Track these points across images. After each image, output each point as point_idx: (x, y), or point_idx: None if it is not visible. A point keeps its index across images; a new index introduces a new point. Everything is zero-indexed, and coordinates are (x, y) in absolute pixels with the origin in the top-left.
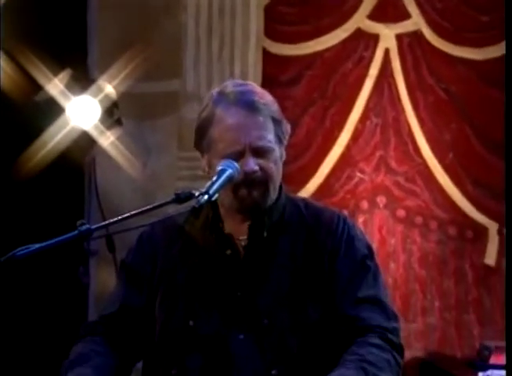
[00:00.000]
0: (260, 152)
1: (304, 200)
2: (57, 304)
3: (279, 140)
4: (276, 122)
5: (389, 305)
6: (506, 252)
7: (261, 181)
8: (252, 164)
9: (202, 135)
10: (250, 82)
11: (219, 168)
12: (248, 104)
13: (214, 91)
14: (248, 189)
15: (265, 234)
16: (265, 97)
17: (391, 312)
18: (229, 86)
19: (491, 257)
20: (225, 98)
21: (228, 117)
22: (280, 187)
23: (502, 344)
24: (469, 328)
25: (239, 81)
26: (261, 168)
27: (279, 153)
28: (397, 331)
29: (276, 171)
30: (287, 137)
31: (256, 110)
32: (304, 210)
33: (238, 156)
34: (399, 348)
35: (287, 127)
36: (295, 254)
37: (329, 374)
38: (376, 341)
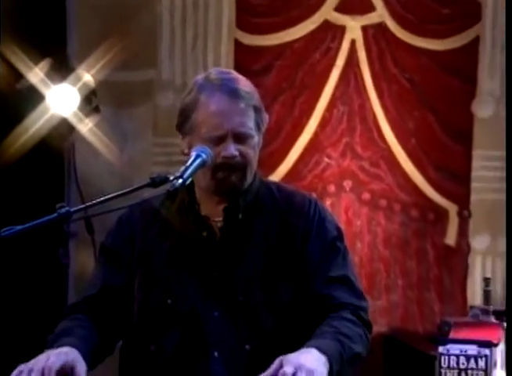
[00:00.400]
0: (240, 138)
1: (276, 183)
2: (38, 284)
3: (258, 128)
4: (257, 110)
5: (358, 284)
6: (506, 253)
7: (240, 166)
8: (232, 149)
9: (185, 119)
10: (233, 71)
11: (193, 153)
12: (231, 91)
13: (200, 77)
14: (227, 172)
15: (240, 216)
16: (248, 86)
17: (360, 292)
18: (214, 73)
19: (451, 237)
20: (210, 84)
21: (212, 103)
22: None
23: (461, 320)
24: (430, 305)
25: (224, 70)
26: (241, 154)
27: (257, 139)
28: (366, 310)
29: (254, 156)
30: (265, 125)
31: (239, 98)
32: (276, 193)
33: (219, 140)
34: (368, 325)
35: (266, 116)
36: (269, 235)
37: (306, 343)
38: (349, 316)
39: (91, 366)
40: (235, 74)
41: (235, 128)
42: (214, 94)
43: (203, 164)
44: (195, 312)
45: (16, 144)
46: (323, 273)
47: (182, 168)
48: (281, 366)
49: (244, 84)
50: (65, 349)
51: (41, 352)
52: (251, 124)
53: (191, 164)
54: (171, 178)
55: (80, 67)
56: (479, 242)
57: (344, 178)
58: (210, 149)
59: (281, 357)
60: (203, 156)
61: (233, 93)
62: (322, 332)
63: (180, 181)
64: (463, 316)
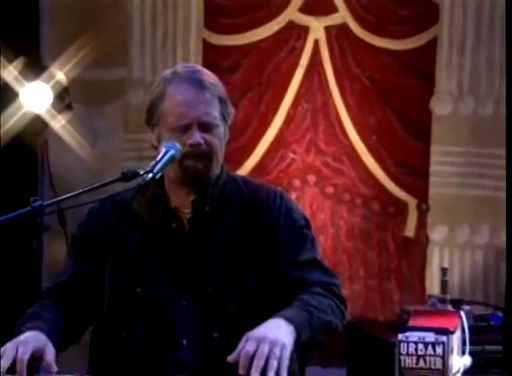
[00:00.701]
0: (206, 127)
1: (242, 177)
2: (13, 274)
3: (224, 119)
4: (222, 102)
5: (327, 265)
6: (506, 251)
7: (205, 154)
8: (197, 137)
9: (153, 111)
10: (198, 65)
11: (163, 148)
12: (197, 82)
13: (167, 72)
14: (193, 160)
15: (208, 208)
16: (213, 78)
17: (331, 271)
18: (180, 67)
19: (410, 230)
20: (176, 77)
21: (179, 94)
22: (221, 165)
23: (420, 308)
24: (390, 294)
25: (189, 64)
26: (206, 142)
27: (223, 130)
28: (338, 286)
29: (219, 146)
30: (231, 118)
31: (204, 88)
32: (243, 187)
33: (185, 129)
34: (341, 299)
35: (232, 109)
36: (235, 227)
37: (276, 313)
38: (320, 291)
39: (58, 349)
40: (200, 68)
41: (200, 117)
42: (180, 85)
43: (172, 159)
44: (163, 301)
45: None
46: (293, 258)
47: (152, 162)
48: (245, 341)
49: (209, 76)
50: (32, 334)
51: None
52: (216, 113)
53: (161, 159)
54: (142, 172)
55: (53, 66)
56: (437, 234)
57: (309, 173)
58: (176, 138)
59: (247, 333)
60: (173, 151)
61: (198, 84)
62: (291, 305)
63: (150, 175)
64: (422, 305)
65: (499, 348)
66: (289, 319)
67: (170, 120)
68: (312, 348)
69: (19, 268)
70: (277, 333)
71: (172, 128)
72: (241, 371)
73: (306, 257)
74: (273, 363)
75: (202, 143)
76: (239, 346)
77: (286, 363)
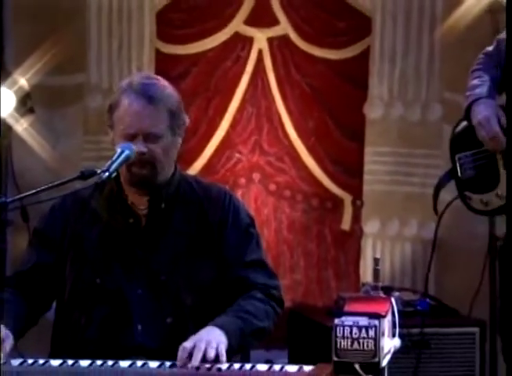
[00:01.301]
0: (151, 137)
1: (194, 177)
2: None
3: (173, 130)
4: (173, 114)
5: (270, 265)
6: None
7: (149, 162)
8: (141, 146)
9: (110, 116)
10: (158, 77)
11: (118, 149)
12: (146, 96)
13: (125, 81)
14: (138, 167)
15: (163, 205)
16: (166, 91)
17: (273, 272)
18: (137, 78)
19: (346, 223)
20: (130, 88)
21: (128, 104)
22: (175, 166)
23: (354, 295)
24: (328, 282)
25: (149, 75)
26: (150, 151)
27: (170, 140)
28: (278, 288)
29: (164, 155)
30: (184, 126)
31: (153, 102)
32: (195, 186)
33: (132, 138)
34: (279, 301)
35: (185, 119)
36: (189, 223)
37: (210, 323)
38: (259, 295)
39: (18, 334)
40: (157, 81)
41: (145, 128)
42: (131, 97)
43: (127, 159)
44: (120, 290)
45: None
46: (240, 258)
47: (109, 162)
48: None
49: (162, 90)
50: None
51: None
52: (162, 126)
53: (116, 159)
54: (99, 171)
55: (15, 72)
56: (370, 227)
57: (253, 172)
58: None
59: (183, 343)
60: (127, 151)
61: (147, 97)
62: (226, 311)
63: (106, 174)
64: (356, 292)
65: (425, 330)
66: (222, 327)
67: (120, 128)
68: (243, 352)
69: None
70: (211, 335)
71: (122, 135)
72: (179, 363)
73: (252, 257)
74: (210, 353)
75: (145, 152)
76: (180, 348)
77: (222, 353)
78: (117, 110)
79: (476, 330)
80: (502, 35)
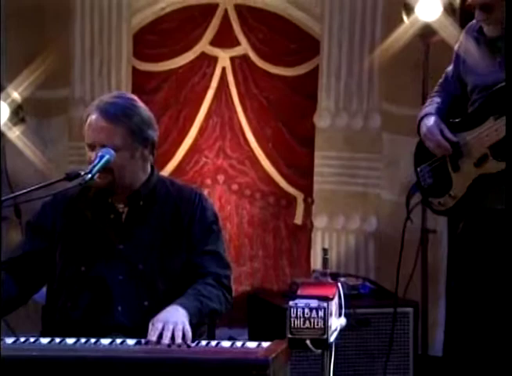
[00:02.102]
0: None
1: (169, 179)
2: None
3: (132, 144)
4: (132, 131)
5: (225, 257)
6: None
7: (105, 171)
8: (92, 155)
9: (83, 126)
10: (129, 96)
11: (99, 154)
12: (106, 114)
13: (98, 98)
14: (97, 176)
15: (141, 203)
16: (126, 111)
17: (226, 263)
18: (106, 97)
19: (298, 218)
20: (97, 104)
21: (90, 120)
22: (152, 168)
23: (306, 280)
24: (283, 270)
25: (119, 94)
26: None
27: (129, 153)
28: (228, 277)
29: (121, 165)
30: (150, 141)
31: (111, 119)
32: (170, 186)
33: (92, 148)
34: (228, 289)
35: (151, 134)
36: (163, 218)
37: (172, 303)
38: (212, 282)
39: (8, 311)
40: (123, 100)
41: (100, 140)
42: (95, 114)
43: (107, 162)
44: (103, 277)
45: None
46: (200, 248)
47: (91, 165)
48: (152, 324)
49: (123, 109)
50: None
51: None
52: (118, 141)
53: (97, 163)
54: (82, 173)
55: (9, 87)
56: (319, 221)
57: (218, 174)
58: (89, 152)
59: (152, 319)
60: (107, 156)
61: (108, 115)
62: (187, 293)
63: (89, 176)
64: (308, 278)
65: (366, 310)
66: (184, 307)
67: (85, 138)
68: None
69: None
70: (176, 315)
71: (87, 144)
72: (151, 340)
73: (209, 248)
74: (178, 334)
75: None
76: (151, 327)
77: (188, 333)
78: (85, 124)
79: (410, 310)
80: (450, 67)
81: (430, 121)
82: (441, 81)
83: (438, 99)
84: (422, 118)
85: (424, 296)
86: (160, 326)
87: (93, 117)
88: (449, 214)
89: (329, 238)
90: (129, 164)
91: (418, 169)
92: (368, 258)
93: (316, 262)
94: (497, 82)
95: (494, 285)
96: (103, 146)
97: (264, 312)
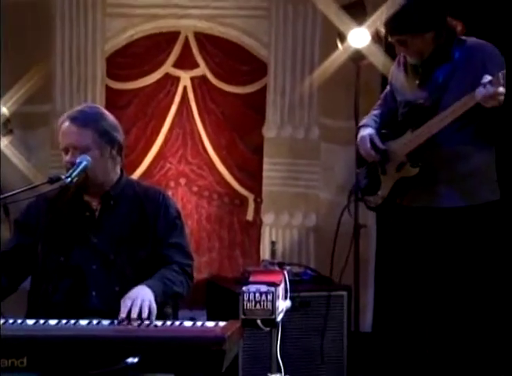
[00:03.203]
0: (78, 150)
1: (136, 181)
2: None
3: (100, 144)
4: (100, 133)
5: (188, 249)
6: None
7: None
8: (68, 158)
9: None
10: (96, 106)
11: (78, 160)
12: (77, 120)
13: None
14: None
15: (112, 202)
16: (93, 117)
17: (189, 254)
18: (78, 108)
19: (250, 215)
20: (68, 114)
21: (63, 127)
22: (122, 172)
23: (257, 269)
24: (236, 259)
25: (87, 105)
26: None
27: (98, 153)
28: (190, 266)
29: (94, 164)
30: (117, 143)
31: (80, 124)
32: (137, 187)
33: (66, 151)
34: (190, 276)
35: (117, 136)
36: (131, 215)
37: (139, 284)
38: (176, 268)
39: (1, 298)
40: (90, 109)
41: (71, 144)
42: (66, 121)
43: (85, 168)
44: (79, 266)
45: None
46: (165, 241)
47: (70, 170)
48: (122, 301)
49: (90, 115)
50: None
51: None
52: (88, 141)
53: (76, 168)
54: (63, 177)
55: None
56: (267, 218)
57: (180, 177)
58: (64, 158)
59: (124, 296)
60: (85, 162)
61: (76, 121)
62: (153, 276)
63: (68, 179)
64: (257, 266)
65: (307, 294)
66: (150, 287)
67: (60, 144)
68: (164, 306)
69: None
70: (142, 293)
71: (61, 149)
72: (121, 318)
73: (173, 240)
74: (145, 309)
75: (74, 162)
76: (122, 304)
77: (154, 309)
78: (58, 132)
79: (344, 293)
80: (386, 90)
81: (364, 131)
82: (382, 95)
83: (375, 112)
84: (359, 128)
85: (356, 281)
86: (129, 303)
87: (65, 124)
88: (378, 210)
89: (276, 232)
90: (100, 162)
91: (357, 171)
92: (309, 249)
93: (265, 253)
94: (416, 100)
95: (415, 273)
96: (75, 148)
97: (220, 296)
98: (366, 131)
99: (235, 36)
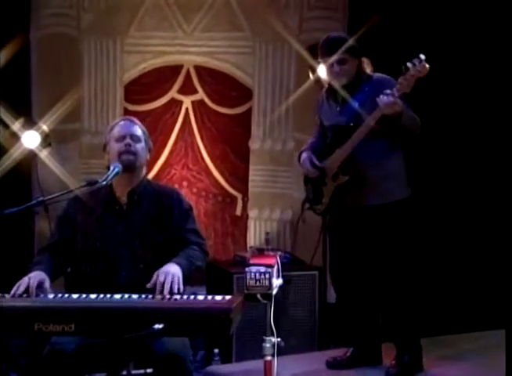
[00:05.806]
0: (134, 138)
1: (154, 181)
2: (17, 240)
3: (145, 141)
4: (144, 132)
5: (201, 233)
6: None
7: (132, 152)
8: (128, 140)
9: (105, 143)
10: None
11: (111, 167)
12: (128, 119)
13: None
14: (126, 154)
15: (136, 197)
16: (139, 122)
17: (202, 237)
18: (116, 121)
19: (238, 211)
20: (117, 121)
21: (118, 125)
22: (145, 173)
23: (252, 254)
24: (228, 247)
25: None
26: (133, 146)
27: (144, 145)
28: (205, 245)
29: (142, 152)
30: (151, 144)
31: (132, 122)
32: (155, 186)
33: (123, 138)
34: (207, 253)
35: (151, 143)
36: (151, 208)
37: (168, 262)
38: (195, 247)
39: (52, 280)
40: (130, 118)
41: (130, 131)
42: (119, 122)
43: (117, 173)
44: (112, 250)
45: (2, 167)
46: (182, 226)
47: (105, 175)
48: (157, 275)
49: (137, 121)
50: (37, 272)
51: (19, 279)
52: (140, 134)
53: (110, 173)
54: (100, 180)
55: (40, 122)
56: (252, 213)
57: (183, 181)
58: (118, 145)
59: (157, 271)
60: (117, 168)
61: (128, 120)
62: (178, 254)
63: (104, 182)
64: (245, 252)
65: (288, 273)
66: (178, 264)
67: (115, 136)
68: (191, 278)
69: (21, 236)
70: (173, 269)
71: (116, 139)
72: (158, 292)
73: (189, 227)
74: (175, 286)
75: (131, 144)
76: (154, 277)
77: (181, 283)
78: (110, 133)
79: (316, 272)
80: (317, 122)
81: (304, 155)
82: (314, 129)
83: (312, 140)
84: (300, 153)
85: (325, 263)
86: (162, 277)
87: (121, 123)
88: (325, 215)
89: (259, 225)
90: (143, 153)
91: (305, 187)
92: (286, 238)
93: (251, 241)
94: (338, 124)
95: (352, 256)
96: (131, 135)
97: (216, 275)
98: (306, 155)
99: (226, 68)
